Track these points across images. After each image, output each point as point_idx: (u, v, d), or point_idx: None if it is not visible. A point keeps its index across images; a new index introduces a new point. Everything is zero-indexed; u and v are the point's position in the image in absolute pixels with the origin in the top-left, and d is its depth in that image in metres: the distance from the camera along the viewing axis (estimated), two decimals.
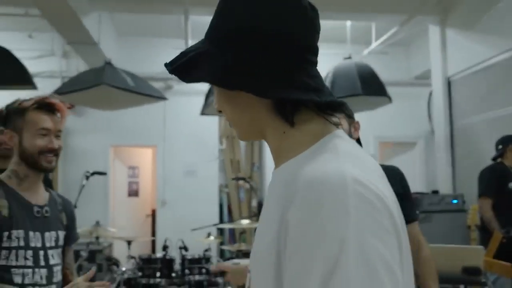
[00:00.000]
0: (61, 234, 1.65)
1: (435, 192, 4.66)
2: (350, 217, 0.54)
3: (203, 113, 4.72)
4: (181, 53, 0.72)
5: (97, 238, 3.81)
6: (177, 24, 5.21)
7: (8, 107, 1.60)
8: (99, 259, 4.27)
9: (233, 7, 0.69)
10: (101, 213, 5.40)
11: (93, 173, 3.80)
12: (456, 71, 4.64)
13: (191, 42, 5.19)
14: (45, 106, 1.58)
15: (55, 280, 1.58)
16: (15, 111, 1.57)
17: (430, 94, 5.39)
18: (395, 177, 1.94)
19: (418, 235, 1.89)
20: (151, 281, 3.49)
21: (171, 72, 0.71)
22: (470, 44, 4.41)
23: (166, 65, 0.72)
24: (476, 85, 4.38)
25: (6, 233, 1.47)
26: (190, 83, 0.74)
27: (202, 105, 4.71)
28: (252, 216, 5.14)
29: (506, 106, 3.91)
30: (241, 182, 5.28)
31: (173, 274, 3.63)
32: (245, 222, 3.85)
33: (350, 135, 1.92)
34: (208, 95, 4.61)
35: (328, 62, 4.98)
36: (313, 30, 0.71)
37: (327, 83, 4.42)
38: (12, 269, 1.46)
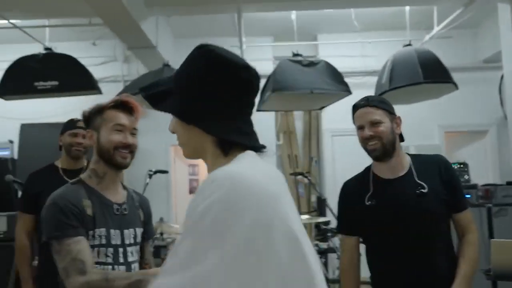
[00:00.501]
0: (139, 231, 1.71)
1: (510, 183, 4.33)
2: (218, 193, 0.83)
3: (258, 109, 4.73)
4: (154, 84, 1.04)
5: (161, 234, 3.94)
6: (231, 23, 5.26)
7: (91, 109, 1.71)
8: (163, 254, 4.42)
9: (196, 67, 0.99)
10: (164, 210, 5.59)
11: (156, 172, 3.94)
12: None
13: (245, 40, 5.21)
14: (121, 105, 1.67)
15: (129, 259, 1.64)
16: (95, 111, 1.68)
17: (502, 77, 5.01)
18: (439, 165, 1.89)
19: (468, 222, 1.89)
20: None
21: (145, 98, 1.00)
22: None
23: (140, 89, 1.02)
24: None
25: (90, 232, 1.55)
26: (158, 110, 1.02)
27: (257, 101, 4.72)
28: (311, 212, 5.08)
29: None
30: (299, 177, 5.22)
31: None
32: (304, 217, 3.80)
33: (393, 131, 1.89)
34: (263, 91, 4.61)
35: (387, 50, 4.80)
36: (250, 91, 1.00)
37: (386, 72, 4.24)
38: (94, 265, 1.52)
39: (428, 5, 4.64)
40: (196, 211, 0.82)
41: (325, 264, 4.86)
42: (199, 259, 0.76)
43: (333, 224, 4.12)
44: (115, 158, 1.63)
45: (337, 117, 5.69)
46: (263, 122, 5.75)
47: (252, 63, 5.00)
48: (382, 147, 1.85)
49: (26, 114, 5.54)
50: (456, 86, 4.17)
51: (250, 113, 1.02)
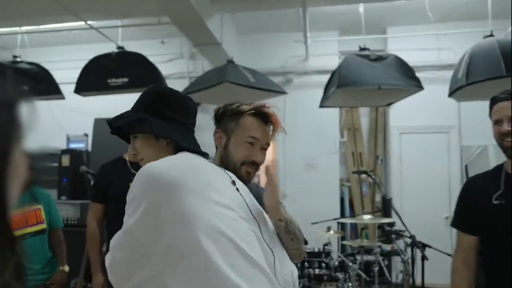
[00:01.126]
0: None
1: None
2: (139, 185, 1.20)
3: (322, 105, 4.64)
4: (122, 116, 1.45)
5: None
6: (294, 18, 5.19)
7: (226, 107, 1.56)
8: None
9: (162, 102, 1.47)
10: None
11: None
12: None
13: (309, 35, 5.12)
14: (261, 114, 1.53)
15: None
16: (232, 112, 1.53)
17: None
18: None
19: None
20: None
21: (123, 125, 1.48)
22: None
23: (109, 122, 1.47)
24: None
25: None
26: (135, 133, 1.46)
27: (321, 97, 4.62)
28: (375, 212, 4.90)
29: None
30: (363, 176, 5.05)
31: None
32: (367, 217, 3.66)
33: None
34: (327, 87, 4.51)
35: (465, 42, 4.47)
36: (194, 114, 1.53)
37: (462, 66, 3.97)
38: None
39: None
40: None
41: (389, 267, 4.68)
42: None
43: (398, 225, 3.94)
44: (241, 173, 1.49)
45: (406, 113, 5.45)
46: (327, 119, 5.64)
47: (316, 59, 4.97)
48: None
49: (99, 109, 5.86)
50: None
51: (193, 131, 1.52)
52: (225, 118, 1.53)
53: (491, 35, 3.96)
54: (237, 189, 1.29)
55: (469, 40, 4.36)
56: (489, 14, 4.35)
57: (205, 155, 1.41)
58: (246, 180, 1.49)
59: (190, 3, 3.85)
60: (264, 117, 1.52)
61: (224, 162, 1.50)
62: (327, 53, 5.64)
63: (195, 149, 1.39)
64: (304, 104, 5.64)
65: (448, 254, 3.53)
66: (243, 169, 1.48)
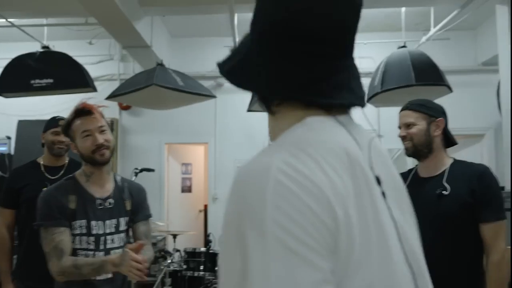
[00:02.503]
0: (123, 220, 1.94)
1: (502, 188, 4.28)
2: (267, 200, 0.57)
3: (249, 110, 4.74)
4: (232, 53, 0.78)
5: None
6: (225, 23, 5.27)
7: (62, 127, 1.94)
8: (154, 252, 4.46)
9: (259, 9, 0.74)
10: (155, 208, 5.62)
11: (142, 170, 3.97)
12: None
13: (238, 40, 5.22)
14: (80, 112, 1.87)
15: (102, 277, 1.84)
16: (66, 126, 1.90)
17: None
18: (476, 173, 1.92)
19: (492, 238, 1.85)
20: (195, 274, 3.58)
21: (222, 74, 0.78)
22: None
23: (218, 65, 0.78)
24: None
25: (73, 223, 1.82)
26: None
27: (249, 102, 4.73)
28: None
29: None
30: None
31: (216, 268, 3.69)
32: None
33: (428, 133, 1.99)
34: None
35: (383, 51, 4.76)
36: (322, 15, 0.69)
37: (378, 74, 4.22)
38: (78, 251, 1.81)
39: (424, 6, 4.60)
40: None
41: None
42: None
43: None
44: (95, 159, 1.85)
45: None
46: (257, 122, 5.76)
47: None
48: (412, 147, 1.99)
49: (23, 110, 5.63)
50: (450, 89, 4.13)
51: (330, 54, 0.69)
52: (66, 132, 1.91)
53: (404, 46, 4.26)
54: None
55: (387, 49, 4.66)
56: (402, 26, 4.68)
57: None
58: (105, 161, 1.86)
59: (116, 5, 3.82)
60: (84, 112, 1.86)
61: (83, 159, 1.88)
62: None
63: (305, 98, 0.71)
64: (235, 108, 5.74)
65: None
66: (96, 155, 1.84)
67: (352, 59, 0.72)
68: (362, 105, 0.72)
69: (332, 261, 0.57)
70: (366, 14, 5.51)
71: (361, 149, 0.69)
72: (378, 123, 5.64)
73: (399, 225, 0.68)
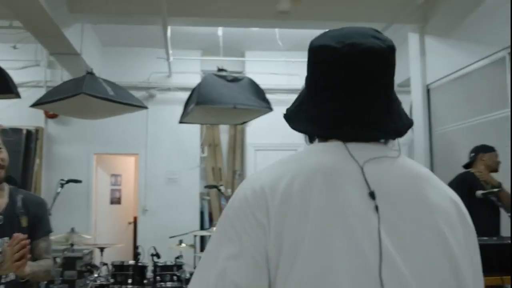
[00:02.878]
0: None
1: None
2: (229, 210, 0.78)
3: (181, 121, 4.78)
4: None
5: (71, 245, 3.86)
6: (158, 34, 5.30)
7: None
8: (79, 266, 4.30)
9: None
10: (83, 220, 5.46)
11: (68, 181, 3.86)
12: (435, 79, 4.67)
13: (172, 52, 5.27)
14: None
15: (3, 280, 1.77)
16: None
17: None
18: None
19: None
20: (123, 287, 3.52)
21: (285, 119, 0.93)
22: (448, 51, 4.44)
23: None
24: (454, 92, 4.40)
25: None
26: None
27: (181, 113, 4.76)
28: None
29: (483, 114, 3.93)
30: (222, 189, 5.32)
31: (145, 281, 3.66)
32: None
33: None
34: (187, 104, 4.67)
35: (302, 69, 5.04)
36: (343, 68, 0.84)
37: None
38: None
39: None
40: None
41: None
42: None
43: None
44: None
45: (261, 132, 5.89)
46: (188, 134, 5.81)
47: (180, 76, 5.12)
48: None
49: None
50: None
51: (343, 95, 0.82)
52: None
53: None
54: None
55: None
56: None
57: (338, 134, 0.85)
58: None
59: (43, 9, 3.71)
60: None
61: None
62: (189, 71, 5.85)
63: (310, 131, 0.89)
64: (166, 120, 5.74)
65: None
66: None
67: (383, 97, 0.84)
68: (389, 137, 0.85)
69: (264, 254, 0.71)
70: (294, 34, 5.79)
71: (360, 167, 0.78)
72: (306, 137, 5.92)
73: (383, 242, 0.71)
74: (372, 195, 0.74)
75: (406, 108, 4.15)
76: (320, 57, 0.84)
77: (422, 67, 4.88)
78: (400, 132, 0.84)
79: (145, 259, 3.96)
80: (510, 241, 2.62)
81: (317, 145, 0.85)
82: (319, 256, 0.69)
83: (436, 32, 4.62)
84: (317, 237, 0.70)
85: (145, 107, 4.70)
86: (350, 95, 0.81)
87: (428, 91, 4.82)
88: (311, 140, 0.88)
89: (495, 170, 3.44)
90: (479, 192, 3.03)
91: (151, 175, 5.78)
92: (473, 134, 3.96)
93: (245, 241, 0.72)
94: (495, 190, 3.11)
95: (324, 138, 0.85)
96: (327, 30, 0.88)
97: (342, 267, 0.68)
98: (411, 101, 5.33)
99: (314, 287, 0.68)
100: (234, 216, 0.76)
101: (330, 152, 0.80)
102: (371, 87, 0.82)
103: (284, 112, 0.91)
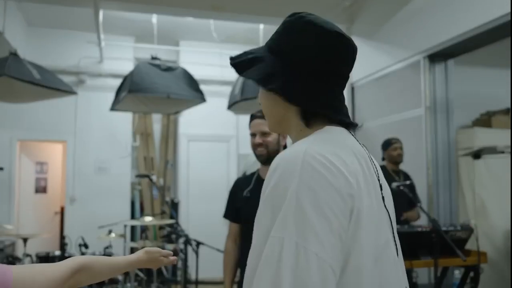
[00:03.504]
0: None
1: None
2: (295, 177, 0.76)
3: (113, 108, 4.68)
4: (245, 52, 0.94)
5: None
6: (89, 18, 5.11)
7: None
8: (2, 258, 4.10)
9: (290, 35, 0.92)
10: (4, 210, 5.18)
11: None
12: (359, 78, 4.98)
13: (104, 37, 5.12)
14: None
15: None
16: None
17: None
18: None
19: None
20: None
21: (232, 65, 0.93)
22: (371, 52, 4.72)
23: (230, 58, 0.94)
24: (375, 91, 4.71)
25: None
26: (244, 77, 0.93)
27: (112, 100, 4.67)
28: (163, 213, 5.17)
29: (400, 112, 4.27)
30: (154, 179, 5.28)
31: None
32: (148, 219, 3.88)
33: (278, 142, 2.15)
34: (119, 91, 4.58)
35: None
36: (343, 62, 0.92)
37: (239, 83, 4.55)
38: None
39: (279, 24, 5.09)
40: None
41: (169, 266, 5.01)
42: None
43: (184, 225, 4.26)
44: None
45: (194, 122, 5.91)
46: (120, 123, 5.69)
47: (112, 62, 5.01)
48: (267, 154, 2.13)
49: None
50: None
51: (341, 86, 0.93)
52: None
53: None
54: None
55: None
56: (260, 41, 5.13)
57: (349, 124, 0.96)
58: None
59: None
60: None
61: None
62: (122, 57, 5.71)
63: (331, 115, 0.92)
64: (97, 107, 5.57)
65: (220, 251, 4.01)
66: None
67: None
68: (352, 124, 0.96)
69: (345, 225, 0.75)
70: (229, 26, 5.85)
71: (368, 155, 0.92)
72: (237, 129, 6.04)
73: (393, 223, 0.90)
74: (380, 186, 0.89)
75: None
76: (335, 44, 0.89)
77: None
78: None
79: (73, 250, 3.87)
80: (418, 230, 2.91)
81: (332, 128, 0.90)
82: (374, 223, 0.81)
83: (361, 34, 4.91)
84: (370, 209, 0.81)
85: (74, 93, 4.54)
86: (342, 86, 0.93)
87: (353, 89, 5.13)
88: (308, 121, 0.90)
89: (399, 162, 3.75)
90: (394, 184, 3.32)
91: (80, 163, 5.59)
92: (392, 131, 4.30)
93: (334, 220, 0.74)
94: (408, 182, 3.41)
95: (328, 122, 0.90)
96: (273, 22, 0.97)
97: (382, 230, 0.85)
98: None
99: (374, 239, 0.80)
100: (316, 197, 0.74)
101: (348, 137, 0.91)
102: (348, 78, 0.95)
103: (260, 83, 0.91)
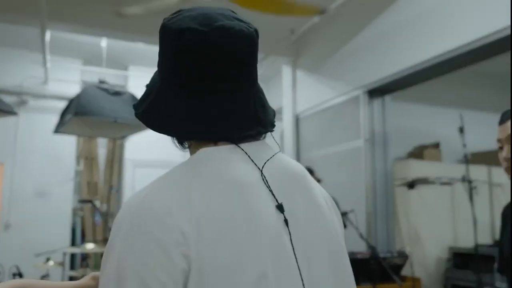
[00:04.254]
0: None
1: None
2: (119, 238, 0.62)
3: (57, 131, 4.55)
4: (145, 94, 0.78)
5: None
6: (35, 37, 5.00)
7: None
8: None
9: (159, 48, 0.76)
10: None
11: None
12: (303, 109, 5.19)
13: (50, 58, 5.01)
14: None
15: None
16: None
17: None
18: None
19: None
20: None
21: (138, 118, 0.77)
22: (315, 85, 4.97)
23: (134, 107, 0.78)
24: (319, 122, 4.94)
25: None
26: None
27: (56, 123, 4.55)
28: (102, 240, 5.02)
29: (341, 143, 4.50)
30: (97, 204, 5.14)
31: None
32: (90, 246, 3.76)
33: None
34: (64, 113, 4.47)
35: None
36: (219, 62, 0.72)
37: None
38: None
39: None
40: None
41: None
42: None
43: None
44: None
45: (140, 148, 5.85)
46: (63, 146, 5.52)
47: (57, 84, 4.92)
48: None
49: None
50: None
51: (227, 91, 0.71)
52: None
53: None
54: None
55: None
56: None
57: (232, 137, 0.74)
58: None
59: None
60: None
61: None
62: (68, 79, 5.60)
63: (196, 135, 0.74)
64: (40, 129, 5.38)
65: None
66: None
67: (255, 90, 0.74)
68: (269, 130, 0.76)
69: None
70: None
71: (263, 175, 0.70)
72: (184, 155, 6.01)
73: (298, 255, 0.68)
74: (280, 208, 0.69)
75: (277, 135, 4.54)
76: (185, 43, 0.69)
77: (293, 97, 5.39)
78: (273, 124, 0.78)
79: (6, 279, 3.66)
80: (358, 257, 3.05)
81: (210, 150, 0.70)
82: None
83: (306, 67, 5.16)
84: (230, 263, 0.61)
85: (15, 113, 4.38)
86: (227, 89, 0.70)
87: (297, 119, 5.33)
88: (181, 143, 0.75)
89: None
90: None
91: (18, 187, 5.32)
92: (333, 161, 4.51)
93: None
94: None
95: (207, 141, 0.72)
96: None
97: None
98: (282, 129, 5.82)
99: None
100: (138, 261, 0.60)
101: (230, 159, 0.69)
102: (246, 77, 0.72)
103: (134, 110, 0.77)
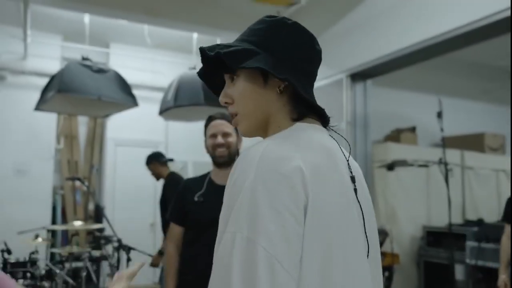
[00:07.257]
0: None
1: None
2: (251, 174, 0.76)
3: (37, 108, 4.47)
4: (225, 45, 0.90)
5: None
6: (14, 11, 4.85)
7: None
8: None
9: (278, 33, 0.93)
10: None
11: None
12: None
13: (30, 33, 4.88)
14: None
15: None
16: None
17: None
18: None
19: None
20: None
21: (223, 55, 0.86)
22: None
23: (205, 48, 0.90)
24: None
25: None
26: (239, 68, 0.88)
27: (37, 100, 4.46)
28: (88, 219, 5.01)
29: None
30: (78, 184, 5.10)
31: None
32: (77, 223, 3.76)
33: (237, 147, 2.16)
34: (46, 90, 4.39)
35: (174, 69, 5.19)
36: (318, 63, 0.99)
37: (172, 90, 4.59)
38: None
39: (213, 36, 5.21)
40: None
41: (98, 272, 4.86)
42: None
43: (108, 232, 4.17)
44: None
45: (122, 127, 5.81)
46: (43, 124, 5.43)
47: (37, 60, 4.86)
48: (228, 155, 2.11)
49: None
50: None
51: (313, 86, 0.98)
52: None
53: (194, 68, 4.76)
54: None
55: (178, 68, 5.08)
56: (193, 49, 5.21)
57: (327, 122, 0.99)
58: None
59: None
60: None
61: None
62: (48, 56, 5.47)
63: (321, 111, 0.96)
64: (18, 106, 5.26)
65: (150, 255, 4.00)
66: None
67: None
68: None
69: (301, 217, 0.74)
70: (162, 32, 5.85)
71: (341, 148, 0.92)
72: (166, 135, 6.04)
73: (365, 215, 0.87)
74: (353, 179, 0.88)
75: None
76: (314, 46, 0.96)
77: None
78: None
79: None
80: None
81: (304, 125, 0.91)
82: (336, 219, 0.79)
83: None
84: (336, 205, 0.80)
85: None
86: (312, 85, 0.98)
87: None
88: (299, 114, 0.93)
89: None
90: None
91: None
92: None
93: (286, 215, 0.73)
94: None
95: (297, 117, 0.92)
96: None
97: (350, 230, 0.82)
98: None
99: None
100: (270, 192, 0.73)
101: (321, 132, 0.91)
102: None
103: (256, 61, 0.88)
